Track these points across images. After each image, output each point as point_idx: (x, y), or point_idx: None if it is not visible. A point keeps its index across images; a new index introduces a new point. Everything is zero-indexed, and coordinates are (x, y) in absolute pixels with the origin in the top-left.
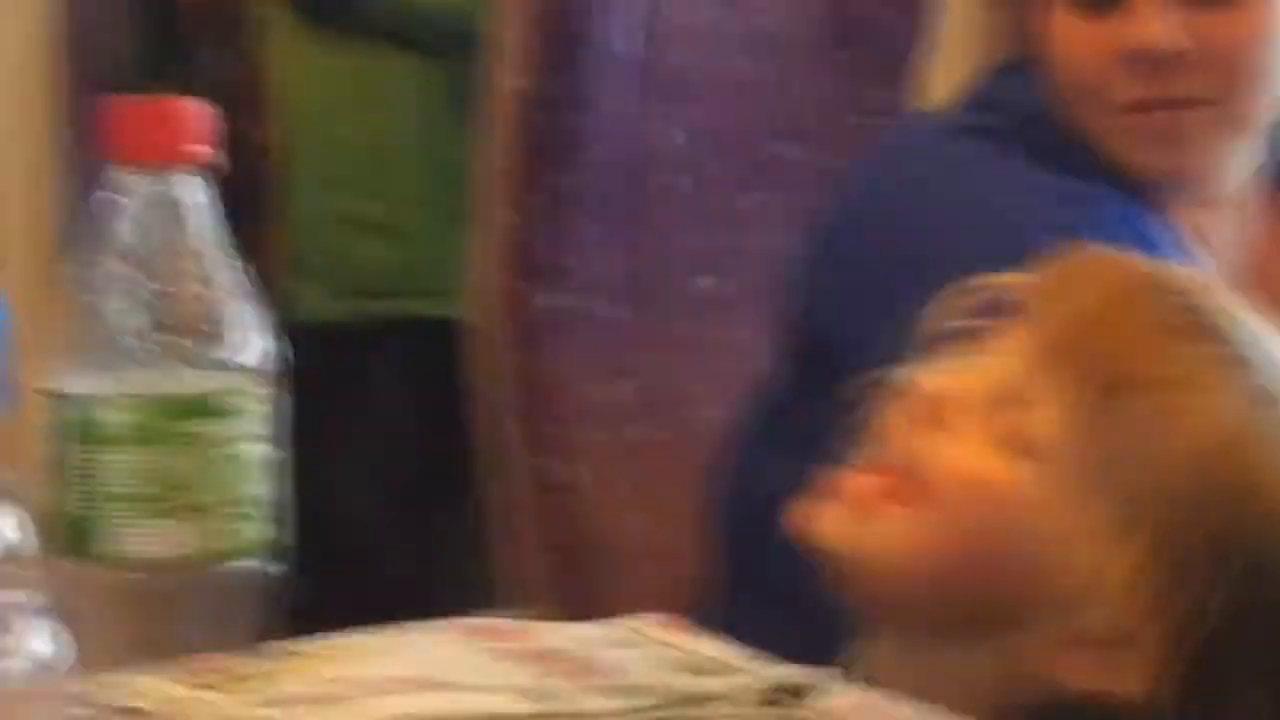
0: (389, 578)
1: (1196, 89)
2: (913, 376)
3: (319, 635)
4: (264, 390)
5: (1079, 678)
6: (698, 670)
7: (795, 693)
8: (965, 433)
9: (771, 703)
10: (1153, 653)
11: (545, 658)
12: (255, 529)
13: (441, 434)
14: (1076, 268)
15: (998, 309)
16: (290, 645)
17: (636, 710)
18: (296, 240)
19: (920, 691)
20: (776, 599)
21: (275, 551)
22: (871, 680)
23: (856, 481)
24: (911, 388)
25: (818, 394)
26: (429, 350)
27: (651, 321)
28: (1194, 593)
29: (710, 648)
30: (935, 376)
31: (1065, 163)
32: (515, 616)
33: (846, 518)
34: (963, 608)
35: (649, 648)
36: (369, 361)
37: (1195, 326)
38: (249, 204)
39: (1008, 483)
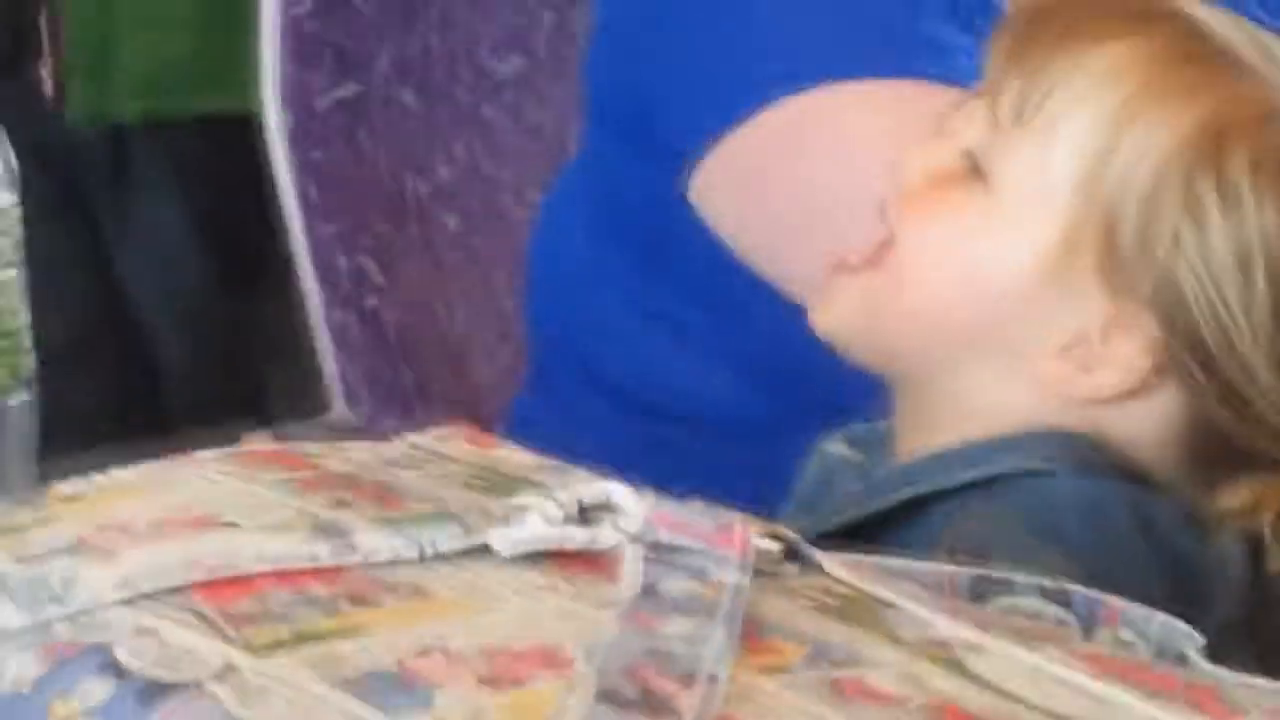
0: (181, 382)
1: None
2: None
3: (98, 462)
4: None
5: (1070, 386)
6: (500, 489)
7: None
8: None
9: (584, 522)
10: (1138, 339)
11: (337, 484)
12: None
13: (235, 235)
14: None
15: None
16: (55, 488)
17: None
18: (71, 35)
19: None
20: (592, 383)
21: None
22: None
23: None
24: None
25: (626, 161)
26: (219, 148)
27: (453, 107)
28: (1164, 268)
29: (514, 459)
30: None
31: None
32: (319, 424)
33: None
34: (953, 342)
35: (446, 464)
36: (153, 161)
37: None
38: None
39: (959, 205)
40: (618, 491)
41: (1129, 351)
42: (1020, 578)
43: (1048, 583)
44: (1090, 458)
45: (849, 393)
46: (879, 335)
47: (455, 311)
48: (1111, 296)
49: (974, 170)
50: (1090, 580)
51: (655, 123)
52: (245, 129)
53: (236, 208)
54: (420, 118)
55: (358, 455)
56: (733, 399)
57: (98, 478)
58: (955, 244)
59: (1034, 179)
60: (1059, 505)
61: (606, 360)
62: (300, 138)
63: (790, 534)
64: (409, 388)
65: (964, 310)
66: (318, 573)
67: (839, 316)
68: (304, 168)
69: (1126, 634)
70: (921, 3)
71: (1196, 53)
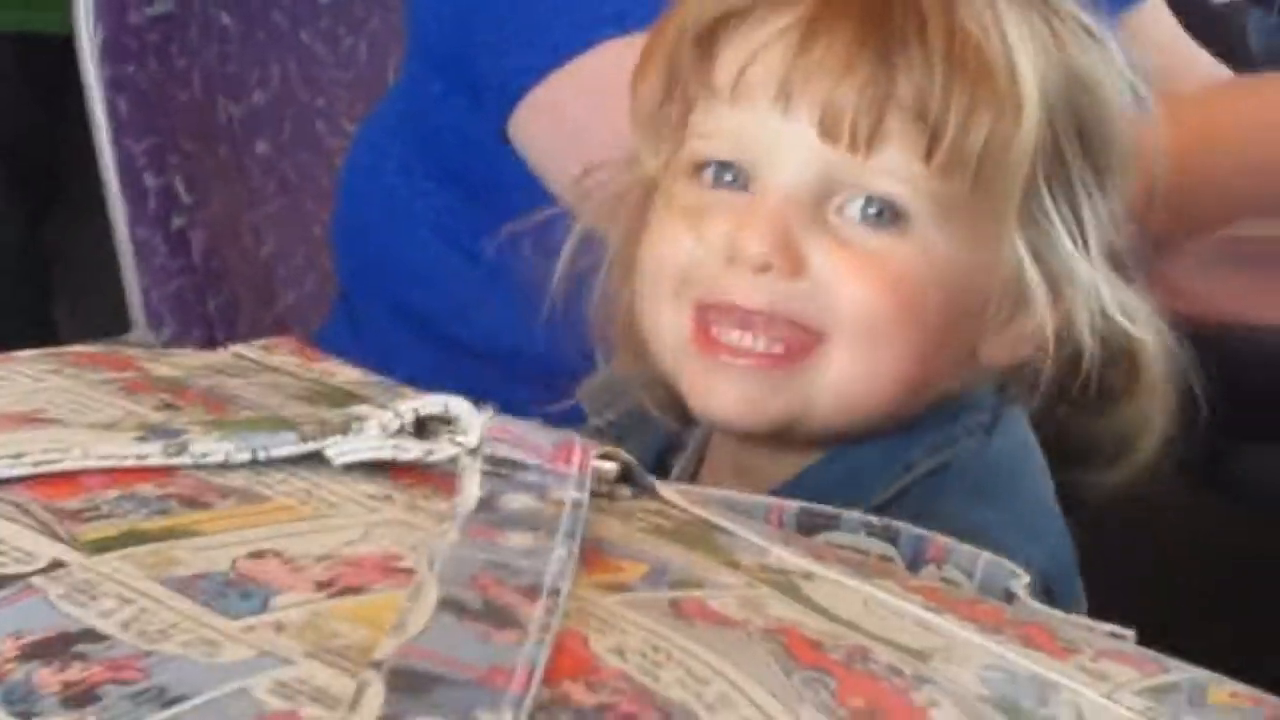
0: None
1: None
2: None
3: None
4: None
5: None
6: (329, 400)
7: (443, 422)
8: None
9: (421, 435)
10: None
11: (164, 387)
12: None
13: (27, 155)
14: None
15: None
16: None
17: (268, 450)
18: None
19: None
20: (401, 314)
21: None
22: None
23: (742, 353)
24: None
25: (446, 94)
26: (35, 67)
27: (270, 31)
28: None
29: (341, 373)
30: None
31: None
32: (120, 343)
33: (755, 390)
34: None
35: (273, 375)
36: None
37: None
38: None
39: (901, 262)
40: (456, 404)
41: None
42: (847, 514)
43: (874, 519)
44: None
45: None
46: (827, 414)
47: (263, 236)
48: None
49: (892, 215)
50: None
51: (478, 58)
52: (49, 44)
53: (37, 125)
54: (236, 39)
55: (183, 360)
56: (544, 341)
57: None
58: (918, 298)
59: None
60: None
61: (417, 293)
62: (112, 52)
63: (626, 456)
64: (213, 312)
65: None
66: (147, 473)
67: (763, 413)
68: (114, 83)
69: (952, 571)
70: None
71: None
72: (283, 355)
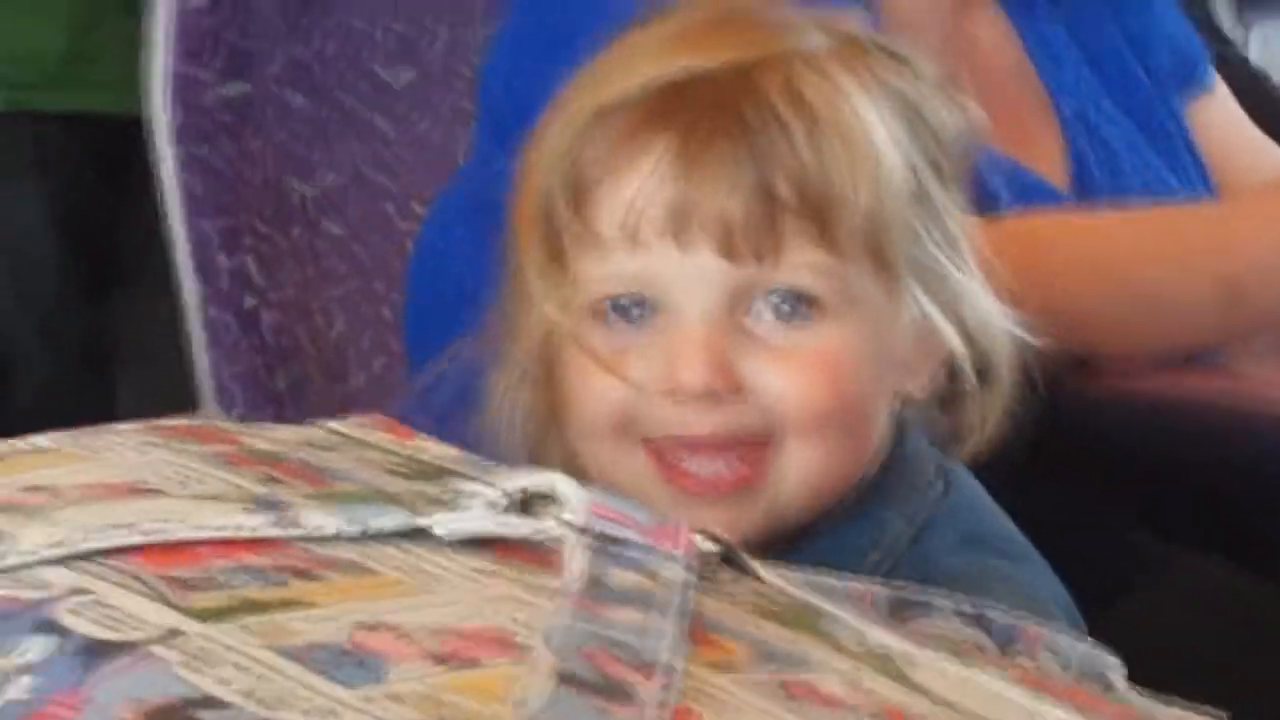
0: (36, 386)
1: None
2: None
3: None
4: None
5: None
6: (425, 476)
7: (546, 498)
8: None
9: (524, 511)
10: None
11: (263, 460)
12: None
13: (96, 236)
14: None
15: None
16: None
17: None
18: None
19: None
20: (475, 401)
21: None
22: None
23: (710, 482)
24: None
25: (505, 169)
26: (83, 144)
27: (342, 114)
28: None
29: (434, 450)
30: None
31: None
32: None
33: (731, 511)
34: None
35: (368, 450)
36: (14, 151)
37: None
38: None
39: (825, 348)
40: (561, 482)
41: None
42: (938, 600)
43: (967, 607)
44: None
45: None
46: (799, 503)
47: (333, 317)
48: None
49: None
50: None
51: None
52: (112, 126)
53: (99, 207)
54: (308, 121)
55: (276, 435)
56: None
57: (9, 443)
58: (849, 376)
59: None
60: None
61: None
62: (187, 133)
63: (725, 538)
64: (283, 391)
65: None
66: (256, 546)
67: (744, 529)
68: (188, 164)
69: (1047, 659)
70: None
71: None
72: (374, 431)
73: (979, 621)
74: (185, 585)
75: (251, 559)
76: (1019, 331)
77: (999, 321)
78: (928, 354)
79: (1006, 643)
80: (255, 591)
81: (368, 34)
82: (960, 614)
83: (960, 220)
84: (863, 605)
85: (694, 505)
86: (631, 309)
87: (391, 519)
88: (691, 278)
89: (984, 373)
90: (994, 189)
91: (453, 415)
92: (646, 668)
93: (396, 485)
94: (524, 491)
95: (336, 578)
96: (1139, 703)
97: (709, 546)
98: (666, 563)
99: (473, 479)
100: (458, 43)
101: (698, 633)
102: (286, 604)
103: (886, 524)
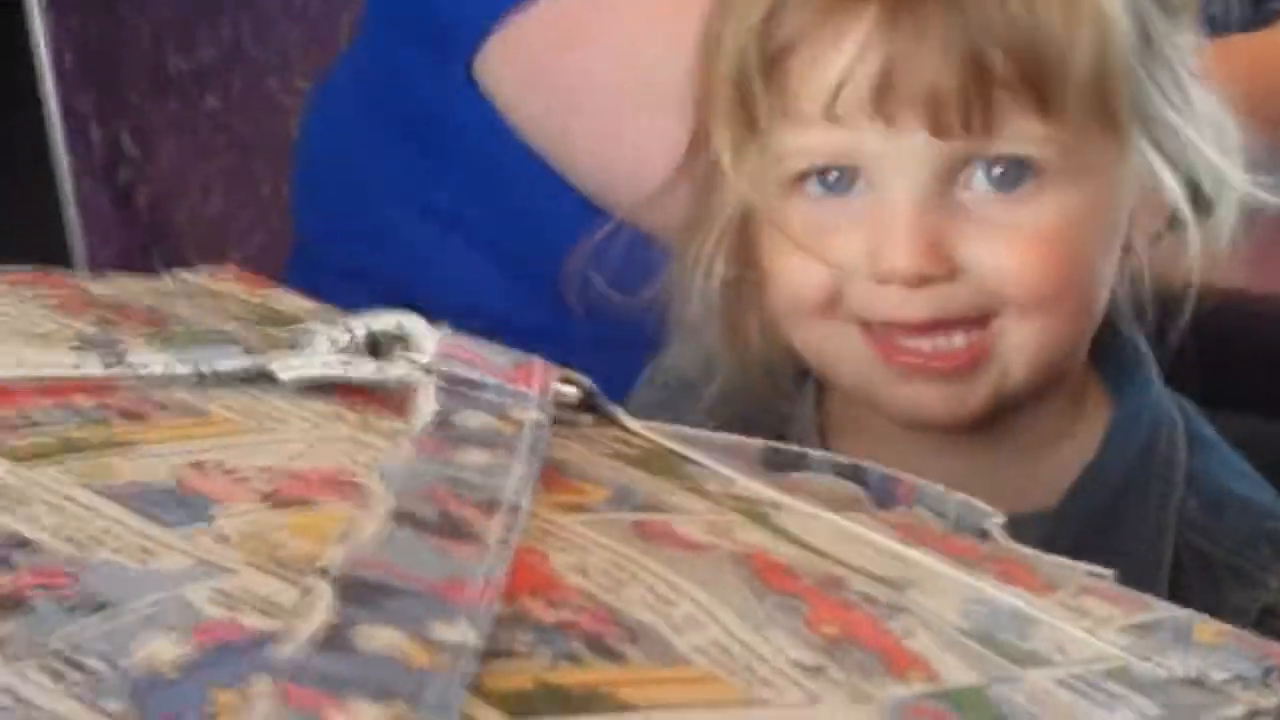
0: None
1: None
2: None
3: None
4: None
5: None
6: (278, 323)
7: (397, 339)
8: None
9: (373, 353)
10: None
11: (104, 305)
12: None
13: None
14: None
15: None
16: None
17: (212, 365)
18: None
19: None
20: (358, 275)
21: None
22: None
23: (933, 359)
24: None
25: (404, 44)
26: None
27: None
28: None
29: (289, 300)
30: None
31: None
32: None
33: (956, 388)
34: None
35: (218, 300)
36: None
37: None
38: None
39: (1047, 220)
40: (410, 321)
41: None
42: (815, 453)
43: (841, 459)
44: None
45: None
46: (1023, 379)
47: (211, 194)
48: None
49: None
50: None
51: (438, 10)
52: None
53: None
54: None
55: (124, 283)
56: (500, 297)
57: None
58: (1072, 248)
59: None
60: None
61: (374, 253)
62: (59, 4)
63: (587, 382)
64: (159, 269)
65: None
66: (84, 386)
67: (971, 407)
68: (61, 35)
69: (922, 511)
70: None
71: None
72: (228, 282)
73: (855, 475)
74: (4, 427)
75: (77, 399)
76: (1247, 186)
77: (1229, 175)
78: (1154, 210)
79: (884, 496)
80: (78, 432)
81: None
82: (837, 468)
83: (1189, 59)
84: (734, 457)
85: (918, 382)
86: (834, 180)
87: (228, 359)
88: (899, 154)
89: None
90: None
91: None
92: (490, 506)
93: (242, 331)
94: (369, 328)
95: (166, 418)
96: (1017, 550)
97: (568, 390)
98: (520, 403)
99: (321, 324)
100: None
101: (550, 475)
102: (111, 445)
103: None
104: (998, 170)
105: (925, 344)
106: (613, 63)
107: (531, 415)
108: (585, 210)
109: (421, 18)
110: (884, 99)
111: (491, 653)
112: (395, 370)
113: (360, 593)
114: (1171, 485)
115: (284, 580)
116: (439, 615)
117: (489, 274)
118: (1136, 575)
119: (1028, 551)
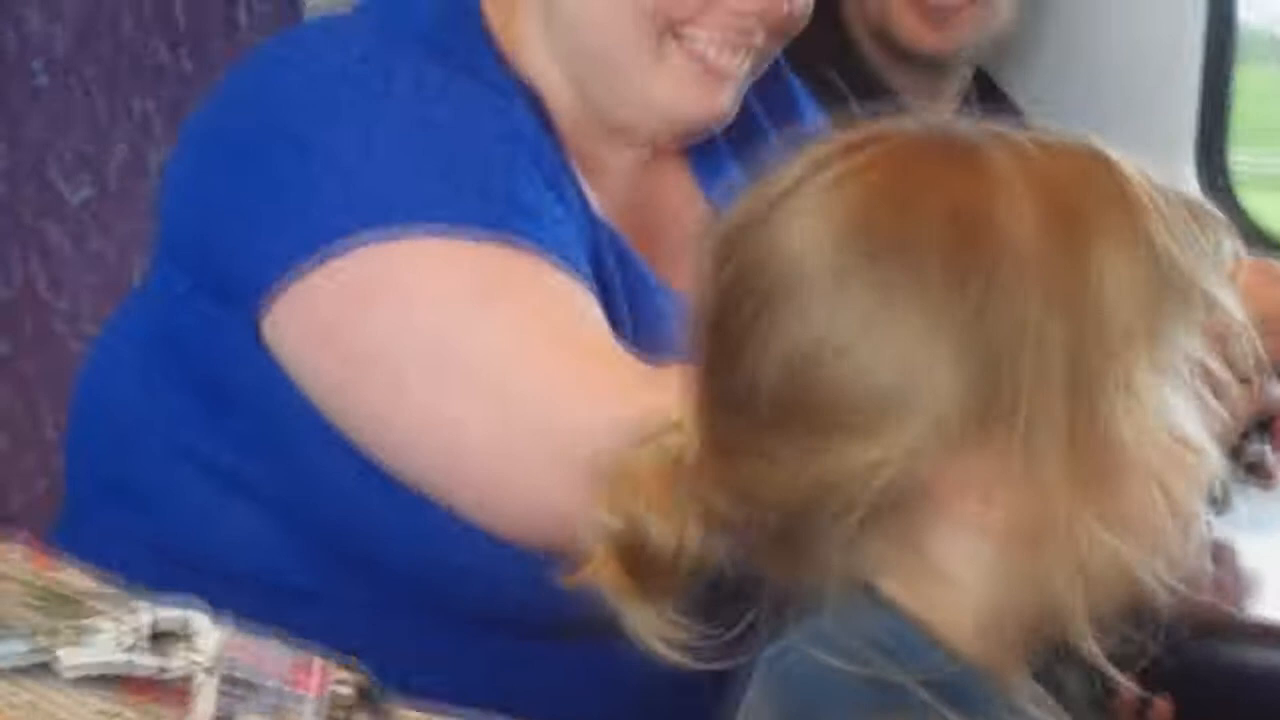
0: None
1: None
2: None
3: None
4: None
5: None
6: (62, 611)
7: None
8: None
9: (157, 648)
10: None
11: None
12: None
13: None
14: None
15: None
16: None
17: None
18: None
19: None
20: (133, 529)
21: None
22: None
23: None
24: None
25: (192, 294)
26: None
27: (14, 225)
28: None
29: (75, 582)
30: None
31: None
32: None
33: None
34: None
35: (5, 582)
36: None
37: None
38: None
39: None
40: (195, 619)
41: None
42: None
43: None
44: None
45: (393, 557)
46: None
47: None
48: None
49: None
50: None
51: (225, 250)
52: None
53: None
54: None
55: None
56: (279, 556)
57: None
58: None
59: None
60: None
61: (149, 507)
62: None
63: (366, 676)
64: None
65: None
66: None
67: None
68: None
69: None
70: (514, 164)
71: None
72: (14, 562)
73: None
74: None
75: None
76: None
77: None
78: None
79: None
80: None
81: (44, 143)
82: None
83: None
84: None
85: None
86: None
87: (12, 654)
88: None
89: None
90: None
91: None
92: None
93: (28, 616)
94: (155, 626)
95: None
96: None
97: (344, 691)
98: (297, 706)
99: (109, 614)
100: (137, 159)
101: None
102: None
103: None
104: None
105: None
106: (400, 327)
107: (309, 717)
108: (367, 471)
109: (208, 265)
110: None
111: None
112: (177, 664)
113: None
114: None
115: None
116: None
117: (270, 534)
118: None
119: None
